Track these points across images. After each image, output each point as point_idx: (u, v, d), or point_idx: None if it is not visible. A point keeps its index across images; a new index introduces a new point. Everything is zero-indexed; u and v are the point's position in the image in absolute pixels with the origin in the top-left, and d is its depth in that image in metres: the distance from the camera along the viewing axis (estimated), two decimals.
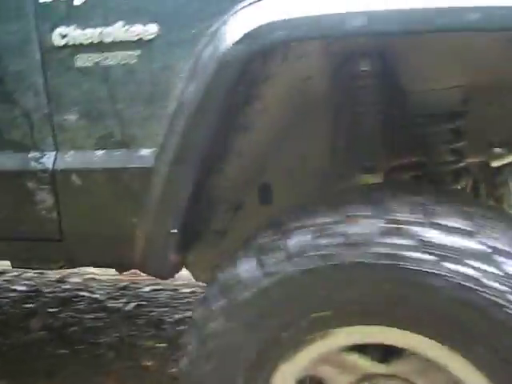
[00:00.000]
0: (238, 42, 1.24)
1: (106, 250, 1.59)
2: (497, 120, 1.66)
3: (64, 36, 1.41)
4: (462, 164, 1.65)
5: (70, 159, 1.49)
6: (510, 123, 1.70)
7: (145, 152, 1.43)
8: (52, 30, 1.42)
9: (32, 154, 1.52)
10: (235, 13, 1.26)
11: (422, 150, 1.65)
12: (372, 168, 1.52)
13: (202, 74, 1.30)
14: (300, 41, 1.30)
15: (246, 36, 1.23)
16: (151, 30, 1.34)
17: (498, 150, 1.73)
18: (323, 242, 1.22)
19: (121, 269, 2.01)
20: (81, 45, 1.39)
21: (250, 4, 1.25)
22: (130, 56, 1.37)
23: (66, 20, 1.40)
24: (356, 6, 1.17)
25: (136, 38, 1.35)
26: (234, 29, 1.25)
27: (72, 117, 1.45)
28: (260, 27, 1.22)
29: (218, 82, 1.28)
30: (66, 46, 1.41)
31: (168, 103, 1.37)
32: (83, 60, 1.41)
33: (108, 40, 1.37)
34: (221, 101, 1.30)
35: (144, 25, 1.33)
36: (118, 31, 1.36)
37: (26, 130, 1.50)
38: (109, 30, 1.36)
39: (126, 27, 1.35)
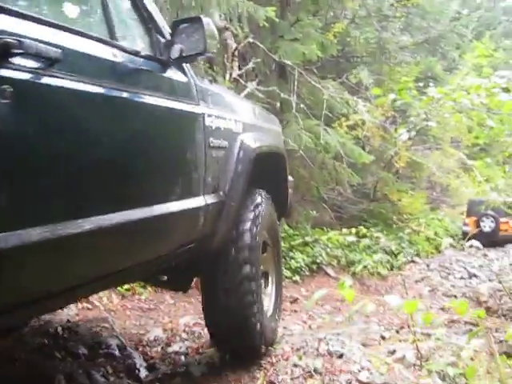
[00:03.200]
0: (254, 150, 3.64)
1: None
2: None
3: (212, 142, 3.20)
4: None
5: (210, 200, 3.15)
6: None
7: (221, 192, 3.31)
8: (208, 138, 3.12)
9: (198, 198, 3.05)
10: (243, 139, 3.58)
11: None
12: None
13: (244, 162, 3.47)
14: None
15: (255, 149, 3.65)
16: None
17: None
18: None
19: None
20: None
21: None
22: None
23: (213, 133, 3.20)
24: None
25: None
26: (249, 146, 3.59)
27: (209, 179, 3.15)
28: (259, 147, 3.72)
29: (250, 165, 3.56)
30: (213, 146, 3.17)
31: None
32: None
33: None
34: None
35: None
36: None
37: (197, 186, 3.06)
38: None
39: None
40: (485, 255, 13.01)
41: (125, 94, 2.43)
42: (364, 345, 5.66)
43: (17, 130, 1.78)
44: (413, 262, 13.21)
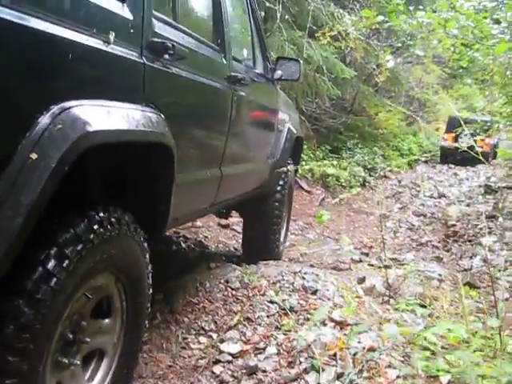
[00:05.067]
0: (295, 134, 5.57)
1: None
2: None
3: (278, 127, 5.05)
4: None
5: (271, 162, 4.95)
6: None
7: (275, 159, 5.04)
8: (278, 125, 4.96)
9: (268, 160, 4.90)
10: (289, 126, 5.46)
11: None
12: None
13: (289, 141, 5.30)
14: None
15: (295, 133, 5.63)
16: None
17: None
18: None
19: None
20: None
21: None
22: None
23: (279, 122, 5.03)
24: None
25: None
26: (292, 131, 5.53)
27: (273, 150, 5.01)
28: (296, 132, 5.66)
29: (292, 143, 5.48)
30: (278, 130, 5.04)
31: None
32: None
33: None
34: None
35: None
36: None
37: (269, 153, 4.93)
38: None
39: None
40: (455, 174, 13.23)
41: (257, 98, 4.31)
42: (335, 268, 5.86)
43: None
44: (385, 177, 13.40)
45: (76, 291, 2.01)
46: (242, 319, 3.40)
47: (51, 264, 1.82)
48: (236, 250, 6.33)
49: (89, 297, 2.17)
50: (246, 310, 3.51)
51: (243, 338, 3.22)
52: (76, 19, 1.82)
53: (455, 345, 3.42)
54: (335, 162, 10.81)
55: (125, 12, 2.17)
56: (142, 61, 2.27)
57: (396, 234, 8.55)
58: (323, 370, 2.80)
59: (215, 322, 3.47)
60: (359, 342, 3.21)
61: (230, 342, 3.16)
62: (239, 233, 7.01)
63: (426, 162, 16.66)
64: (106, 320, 2.36)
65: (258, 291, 3.74)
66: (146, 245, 2.48)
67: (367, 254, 6.63)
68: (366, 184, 12.40)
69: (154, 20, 2.41)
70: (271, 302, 3.57)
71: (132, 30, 2.21)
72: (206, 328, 3.43)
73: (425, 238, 8.03)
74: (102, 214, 2.10)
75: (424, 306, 4.31)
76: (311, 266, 5.32)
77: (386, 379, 2.89)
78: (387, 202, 11.15)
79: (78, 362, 2.16)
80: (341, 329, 3.37)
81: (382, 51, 12.65)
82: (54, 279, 1.81)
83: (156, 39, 2.39)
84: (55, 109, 1.70)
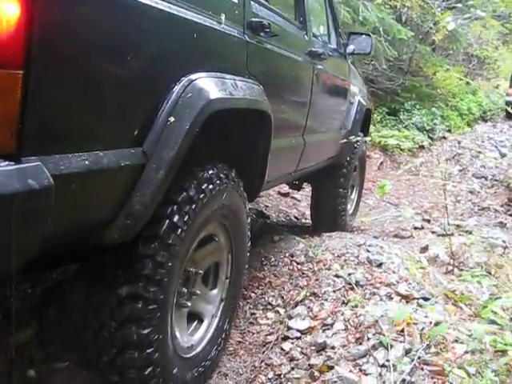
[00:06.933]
0: (365, 106, 5.83)
1: None
2: None
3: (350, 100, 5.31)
4: None
5: (344, 132, 5.14)
6: None
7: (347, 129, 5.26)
8: (349, 97, 5.22)
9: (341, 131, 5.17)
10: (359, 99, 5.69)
11: None
12: None
13: (360, 112, 5.51)
14: None
15: (365, 105, 5.86)
16: None
17: None
18: None
19: None
20: None
21: None
22: None
23: (351, 95, 5.27)
24: None
25: None
26: (363, 103, 5.75)
27: (345, 121, 5.23)
28: (366, 105, 5.95)
29: (362, 115, 5.70)
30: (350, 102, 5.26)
31: None
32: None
33: None
34: None
35: None
36: None
37: (343, 124, 5.20)
38: None
39: None
40: None
41: (332, 71, 4.56)
42: (397, 236, 5.83)
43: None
44: (444, 138, 13.11)
45: (197, 234, 2.43)
46: (308, 294, 3.44)
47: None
48: (297, 219, 6.36)
49: (215, 239, 2.71)
50: (311, 284, 3.54)
51: (310, 313, 3.25)
52: (198, 3, 2.18)
53: None
54: (396, 133, 10.58)
55: None
56: (244, 38, 2.66)
57: (457, 197, 8.42)
58: (391, 346, 2.83)
59: (282, 297, 3.52)
60: (426, 317, 3.21)
61: (298, 318, 3.20)
62: (299, 201, 7.05)
63: (485, 121, 16.28)
64: (213, 291, 2.85)
65: (323, 265, 3.77)
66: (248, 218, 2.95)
67: (429, 221, 6.57)
68: (425, 146, 12.18)
69: (252, 2, 2.79)
70: (337, 276, 3.58)
71: (237, 12, 2.60)
72: (274, 303, 3.49)
73: (487, 202, 7.90)
74: (217, 170, 2.50)
75: (490, 275, 4.29)
76: (374, 237, 5.31)
77: (454, 354, 2.89)
78: (447, 165, 10.95)
79: (189, 305, 2.59)
80: (407, 302, 3.38)
81: (439, 9, 12.29)
82: (179, 230, 2.18)
83: (254, 19, 2.76)
84: (184, 81, 2.06)
